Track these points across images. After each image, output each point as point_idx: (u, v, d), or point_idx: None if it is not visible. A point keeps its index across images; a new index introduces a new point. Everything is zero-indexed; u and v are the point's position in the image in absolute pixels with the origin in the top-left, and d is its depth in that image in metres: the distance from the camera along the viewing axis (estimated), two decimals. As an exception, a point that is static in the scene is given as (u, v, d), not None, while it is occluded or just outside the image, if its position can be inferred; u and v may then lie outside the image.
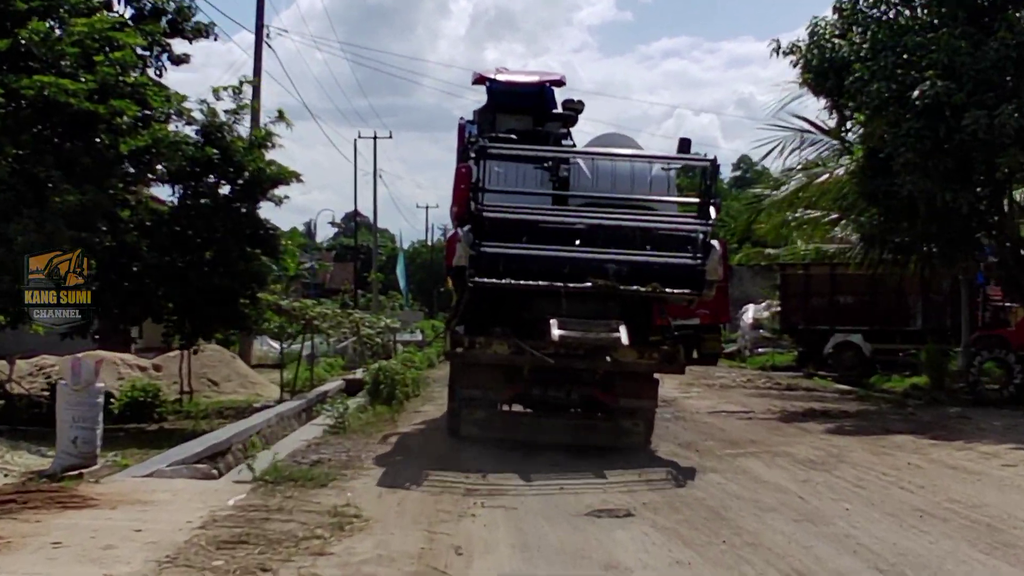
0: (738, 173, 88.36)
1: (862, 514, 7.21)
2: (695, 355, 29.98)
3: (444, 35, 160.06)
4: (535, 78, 12.78)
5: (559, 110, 12.29)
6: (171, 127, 13.52)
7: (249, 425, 12.25)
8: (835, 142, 18.83)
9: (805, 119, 19.22)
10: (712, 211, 10.02)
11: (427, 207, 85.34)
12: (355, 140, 45.43)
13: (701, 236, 10.00)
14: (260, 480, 7.96)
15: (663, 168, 10.98)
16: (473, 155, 10.29)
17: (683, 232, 10.20)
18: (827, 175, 17.33)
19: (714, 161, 10.22)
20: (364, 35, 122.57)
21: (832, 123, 17.57)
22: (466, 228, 9.85)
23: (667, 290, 9.98)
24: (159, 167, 13.49)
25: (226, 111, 14.31)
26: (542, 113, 12.22)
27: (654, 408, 10.53)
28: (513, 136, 11.45)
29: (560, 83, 12.64)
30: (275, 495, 7.47)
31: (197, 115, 14.08)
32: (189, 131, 14.10)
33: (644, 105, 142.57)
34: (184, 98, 13.71)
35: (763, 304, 32.54)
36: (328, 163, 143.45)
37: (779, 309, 29.45)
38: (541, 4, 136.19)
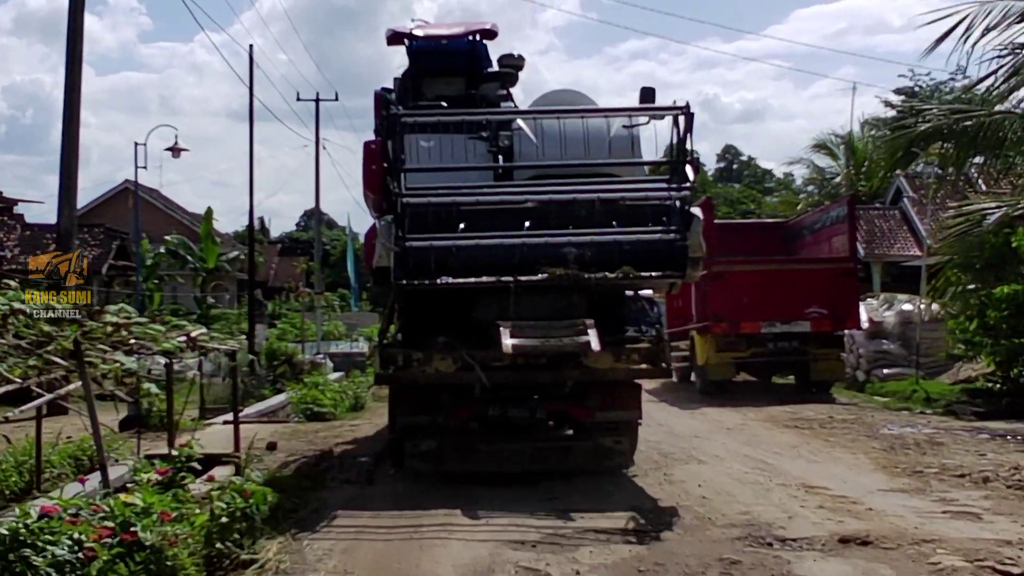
0: (722, 165, 79.99)
1: None
2: (793, 378, 18.78)
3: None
4: (461, 29, 10.72)
5: (495, 68, 10.47)
6: None
7: None
8: None
9: None
10: (690, 171, 8.27)
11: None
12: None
13: (678, 204, 8.28)
14: None
15: (624, 126, 9.10)
16: (385, 128, 8.59)
17: (655, 200, 8.53)
18: None
19: (686, 108, 8.16)
20: (327, 36, 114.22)
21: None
22: (385, 220, 8.13)
23: (642, 274, 8.13)
24: None
25: None
26: (475, 73, 10.36)
27: (638, 419, 8.98)
28: (443, 104, 9.72)
29: (492, 34, 10.52)
30: None
31: None
32: None
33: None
34: None
35: (879, 300, 21.40)
36: (296, 165, 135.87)
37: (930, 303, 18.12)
38: (507, 5, 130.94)
